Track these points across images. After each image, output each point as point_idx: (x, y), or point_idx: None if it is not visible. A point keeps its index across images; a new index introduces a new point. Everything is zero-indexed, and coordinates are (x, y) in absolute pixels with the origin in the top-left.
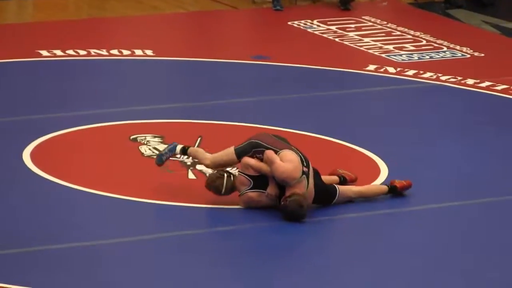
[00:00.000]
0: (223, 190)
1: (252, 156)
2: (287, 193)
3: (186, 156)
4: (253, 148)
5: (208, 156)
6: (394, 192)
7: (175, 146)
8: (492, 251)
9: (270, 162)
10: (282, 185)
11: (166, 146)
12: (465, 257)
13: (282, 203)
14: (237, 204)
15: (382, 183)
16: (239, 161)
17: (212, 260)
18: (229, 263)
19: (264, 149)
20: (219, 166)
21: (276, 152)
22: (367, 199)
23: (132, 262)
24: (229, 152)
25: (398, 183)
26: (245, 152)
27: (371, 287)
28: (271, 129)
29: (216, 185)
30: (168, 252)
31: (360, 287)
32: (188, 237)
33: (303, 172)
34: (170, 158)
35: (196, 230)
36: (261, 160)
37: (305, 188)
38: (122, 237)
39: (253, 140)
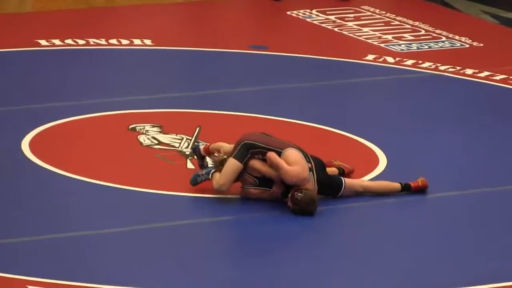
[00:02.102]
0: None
1: (252, 157)
2: (298, 187)
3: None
4: (250, 150)
5: (221, 182)
6: (408, 191)
7: (211, 171)
8: (491, 241)
9: (276, 167)
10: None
11: (205, 170)
12: (464, 247)
13: (295, 195)
14: (237, 194)
15: (381, 173)
16: (244, 166)
17: (212, 250)
18: (229, 253)
19: (260, 149)
20: (232, 182)
21: (278, 153)
22: (378, 200)
23: (131, 252)
24: (233, 164)
25: (413, 183)
26: (244, 155)
27: (371, 276)
28: (269, 118)
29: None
30: (167, 242)
31: (360, 276)
32: (188, 227)
33: (310, 169)
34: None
35: (196, 220)
36: (263, 160)
37: (314, 184)
38: (120, 227)
39: (246, 142)
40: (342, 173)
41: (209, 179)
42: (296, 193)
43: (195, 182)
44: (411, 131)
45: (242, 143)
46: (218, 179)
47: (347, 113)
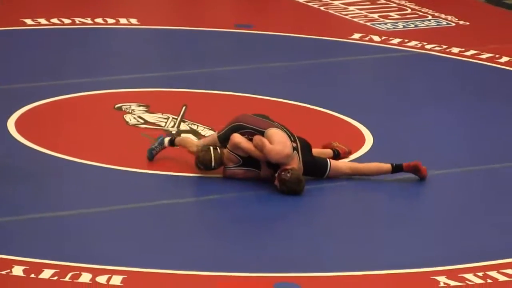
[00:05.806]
0: (213, 163)
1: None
2: (284, 167)
3: (176, 146)
4: (235, 131)
5: (195, 143)
6: (399, 171)
7: (163, 139)
8: (479, 219)
9: (261, 147)
10: (275, 165)
11: (156, 140)
12: (452, 225)
13: (283, 175)
14: (221, 174)
15: (368, 152)
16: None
17: (198, 229)
18: (215, 232)
19: (246, 130)
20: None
21: (261, 133)
22: (367, 177)
23: (116, 231)
24: (214, 139)
25: (405, 163)
26: (227, 138)
27: (356, 256)
28: (255, 97)
29: (205, 162)
30: (153, 221)
31: (345, 255)
32: (173, 206)
33: (294, 148)
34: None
35: (181, 199)
36: (250, 140)
37: (299, 162)
38: (106, 206)
39: (234, 124)
40: (337, 154)
41: (165, 147)
42: (283, 173)
43: (152, 156)
44: (397, 110)
45: (230, 125)
46: (200, 141)
47: (333, 92)
